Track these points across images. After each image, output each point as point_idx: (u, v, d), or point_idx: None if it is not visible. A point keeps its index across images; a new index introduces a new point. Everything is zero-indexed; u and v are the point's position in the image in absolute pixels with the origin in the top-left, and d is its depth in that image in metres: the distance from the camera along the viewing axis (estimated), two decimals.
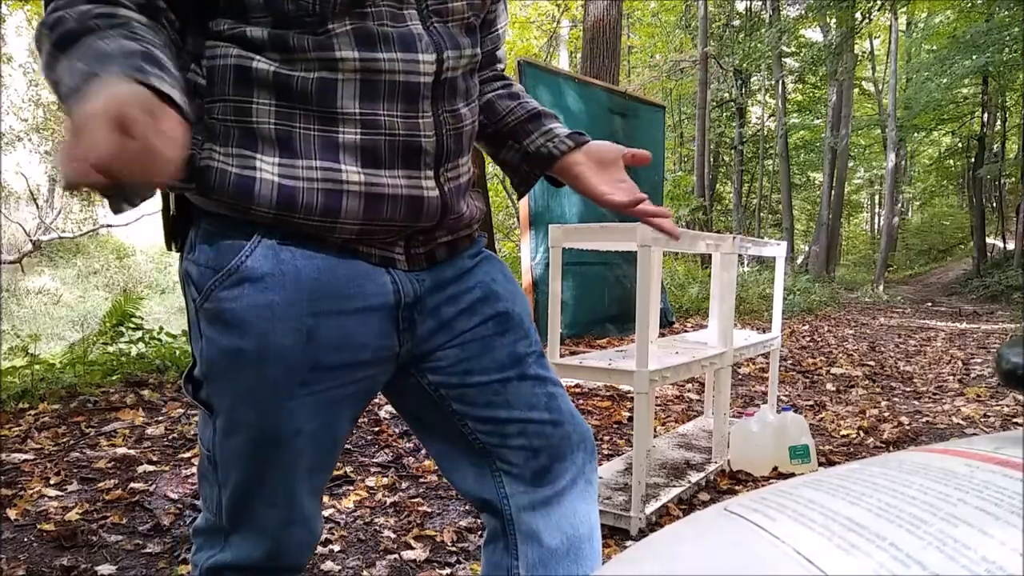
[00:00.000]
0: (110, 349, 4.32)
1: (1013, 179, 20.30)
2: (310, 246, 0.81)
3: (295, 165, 0.78)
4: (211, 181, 0.79)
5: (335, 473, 2.58)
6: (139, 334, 4.47)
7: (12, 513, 2.16)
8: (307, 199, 0.78)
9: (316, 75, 0.77)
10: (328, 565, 1.92)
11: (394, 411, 2.99)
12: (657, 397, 4.05)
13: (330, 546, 2.04)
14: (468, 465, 0.94)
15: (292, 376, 0.81)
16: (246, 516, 0.86)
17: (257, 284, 0.80)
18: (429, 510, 2.30)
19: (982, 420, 3.77)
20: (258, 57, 0.77)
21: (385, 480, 2.54)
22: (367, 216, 0.80)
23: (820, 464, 2.81)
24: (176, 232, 0.86)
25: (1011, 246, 19.37)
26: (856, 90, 22.64)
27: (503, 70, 1.09)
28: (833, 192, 19.20)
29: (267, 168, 0.78)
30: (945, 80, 17.05)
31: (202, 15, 0.79)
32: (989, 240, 21.62)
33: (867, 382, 4.91)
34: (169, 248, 0.88)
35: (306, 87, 0.77)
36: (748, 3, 20.63)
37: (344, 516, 2.25)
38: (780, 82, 20.16)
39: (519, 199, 1.07)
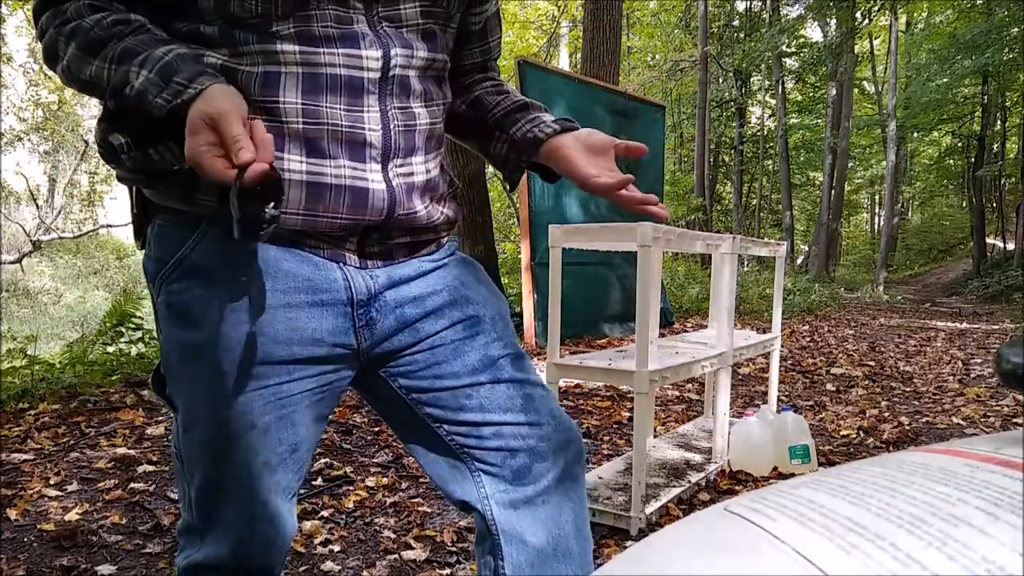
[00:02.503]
0: (110, 349, 4.32)
1: (1013, 179, 20.30)
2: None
3: None
4: (160, 172, 0.81)
5: (335, 473, 2.58)
6: (139, 334, 4.47)
7: (12, 513, 2.16)
8: None
9: (261, 69, 0.79)
10: (328, 565, 1.92)
11: None
12: (657, 397, 4.05)
13: (330, 546, 2.04)
14: (447, 466, 0.94)
15: (242, 370, 0.81)
16: (212, 513, 0.86)
17: (202, 276, 0.81)
18: (429, 510, 2.30)
19: (982, 420, 3.77)
20: (209, 52, 0.79)
21: (385, 480, 2.54)
22: (309, 206, 0.80)
23: (820, 464, 2.81)
24: (141, 230, 0.89)
25: (1011, 246, 19.37)
26: (856, 90, 22.64)
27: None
28: (833, 192, 19.21)
29: None
30: (945, 80, 17.06)
31: (160, 18, 0.81)
32: (989, 240, 21.62)
33: (867, 382, 4.91)
34: (139, 247, 0.90)
35: (249, 80, 0.78)
36: (748, 3, 20.64)
37: (344, 516, 2.25)
38: (780, 82, 20.17)
39: (512, 190, 1.04)
